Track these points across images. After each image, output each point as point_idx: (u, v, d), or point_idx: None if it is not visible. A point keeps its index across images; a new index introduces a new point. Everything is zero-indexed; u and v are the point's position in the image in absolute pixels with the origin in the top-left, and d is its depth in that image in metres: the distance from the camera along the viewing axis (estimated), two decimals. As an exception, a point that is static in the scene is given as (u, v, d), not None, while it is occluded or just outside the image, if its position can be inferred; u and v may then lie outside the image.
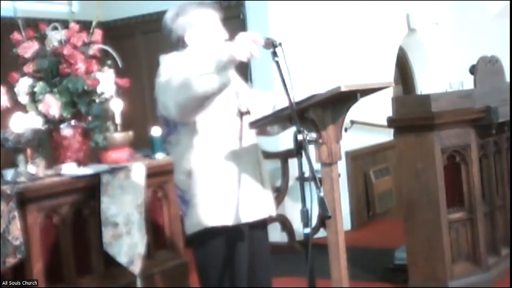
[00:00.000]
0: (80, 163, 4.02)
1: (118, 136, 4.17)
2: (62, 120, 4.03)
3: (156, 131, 4.33)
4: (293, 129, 2.42)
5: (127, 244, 3.86)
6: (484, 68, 4.42)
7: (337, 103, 2.68)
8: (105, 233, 3.79)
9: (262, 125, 2.72)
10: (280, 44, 2.48)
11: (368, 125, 6.55)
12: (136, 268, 3.90)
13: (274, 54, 2.47)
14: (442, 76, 7.66)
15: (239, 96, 2.73)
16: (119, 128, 4.17)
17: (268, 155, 4.90)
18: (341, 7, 6.32)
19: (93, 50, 4.20)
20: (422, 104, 4.13)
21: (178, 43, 2.74)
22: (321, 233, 4.84)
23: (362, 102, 2.74)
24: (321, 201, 2.23)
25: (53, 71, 4.04)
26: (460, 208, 4.22)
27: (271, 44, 2.49)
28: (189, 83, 2.41)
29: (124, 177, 3.94)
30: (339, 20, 6.34)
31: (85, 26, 4.22)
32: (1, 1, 5.19)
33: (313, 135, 2.54)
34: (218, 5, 2.84)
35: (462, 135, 4.20)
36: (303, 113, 2.58)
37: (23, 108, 4.00)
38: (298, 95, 2.48)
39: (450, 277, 4.11)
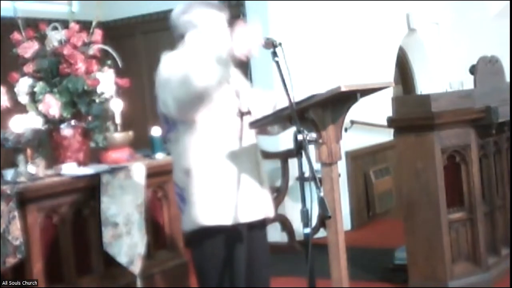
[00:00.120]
0: (80, 163, 4.02)
1: (118, 136, 4.17)
2: (62, 120, 4.03)
3: (156, 131, 4.33)
4: (293, 129, 2.42)
5: (127, 244, 3.86)
6: (484, 68, 4.42)
7: (337, 103, 2.68)
8: (105, 233, 3.79)
9: (262, 125, 2.72)
10: (280, 44, 2.49)
11: (368, 125, 6.55)
12: (136, 268, 3.90)
13: (274, 54, 2.47)
14: (442, 76, 7.66)
15: (239, 96, 2.73)
16: (119, 128, 4.17)
17: (268, 155, 4.91)
18: (341, 7, 6.32)
19: (93, 50, 4.20)
20: (422, 104, 4.13)
21: (180, 41, 2.74)
22: (321, 233, 4.84)
23: (362, 102, 2.74)
24: (321, 201, 2.24)
25: (53, 71, 4.04)
26: (460, 208, 4.22)
27: (271, 44, 2.49)
28: (188, 79, 2.42)
29: (124, 177, 3.94)
30: (339, 20, 6.34)
31: (85, 26, 4.22)
32: (1, 1, 5.19)
33: (313, 135, 2.54)
34: (225, 4, 2.83)
35: (462, 135, 4.20)
36: (303, 113, 2.58)
37: (23, 108, 4.00)
38: (298, 95, 2.48)
39: (450, 277, 4.11)
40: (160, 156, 4.37)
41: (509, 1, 7.70)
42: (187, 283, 4.48)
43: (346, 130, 5.74)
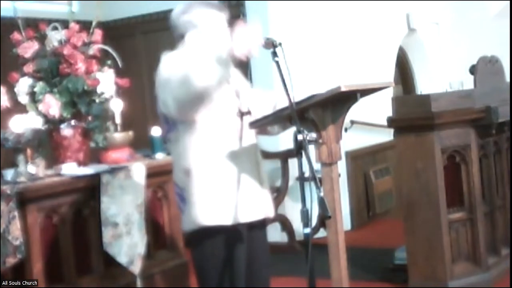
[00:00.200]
0: (80, 163, 4.02)
1: (118, 136, 4.17)
2: (62, 120, 4.03)
3: (156, 131, 4.33)
4: (293, 129, 2.42)
5: (127, 244, 3.86)
6: (484, 68, 4.42)
7: (337, 103, 2.68)
8: (105, 233, 3.79)
9: (262, 125, 2.72)
10: (280, 44, 2.49)
11: (368, 125, 6.55)
12: (136, 268, 3.90)
13: (274, 54, 2.47)
14: (442, 76, 7.66)
15: (239, 96, 2.73)
16: (119, 128, 4.17)
17: (268, 155, 4.91)
18: (341, 7, 6.32)
19: (93, 50, 4.20)
20: (422, 104, 4.13)
21: (180, 41, 2.74)
22: (321, 233, 4.84)
23: (362, 102, 2.74)
24: (321, 201, 2.23)
25: (53, 71, 4.04)
26: (460, 208, 4.22)
27: (271, 44, 2.49)
28: (188, 79, 2.42)
29: (124, 177, 3.94)
30: (339, 20, 6.34)
31: (85, 26, 4.22)
32: (1, 1, 5.19)
33: (313, 135, 2.54)
34: (225, 4, 2.83)
35: (462, 135, 4.20)
36: (303, 113, 2.58)
37: (23, 108, 4.00)
38: (298, 95, 2.48)
39: (450, 277, 4.11)
40: (160, 156, 4.37)
41: (509, 1, 7.70)
42: (187, 283, 4.48)
43: (346, 130, 5.74)
